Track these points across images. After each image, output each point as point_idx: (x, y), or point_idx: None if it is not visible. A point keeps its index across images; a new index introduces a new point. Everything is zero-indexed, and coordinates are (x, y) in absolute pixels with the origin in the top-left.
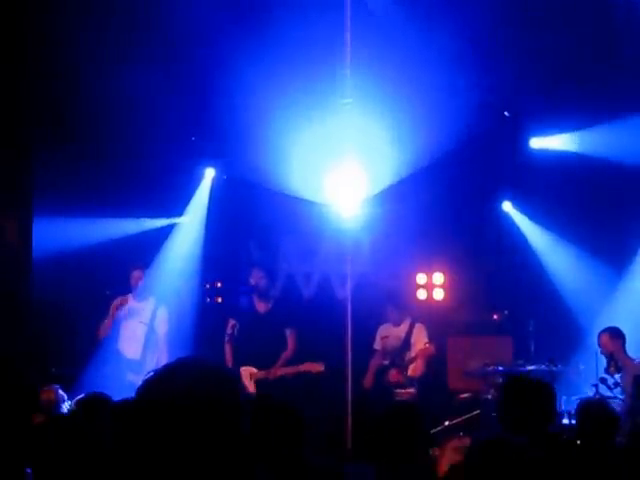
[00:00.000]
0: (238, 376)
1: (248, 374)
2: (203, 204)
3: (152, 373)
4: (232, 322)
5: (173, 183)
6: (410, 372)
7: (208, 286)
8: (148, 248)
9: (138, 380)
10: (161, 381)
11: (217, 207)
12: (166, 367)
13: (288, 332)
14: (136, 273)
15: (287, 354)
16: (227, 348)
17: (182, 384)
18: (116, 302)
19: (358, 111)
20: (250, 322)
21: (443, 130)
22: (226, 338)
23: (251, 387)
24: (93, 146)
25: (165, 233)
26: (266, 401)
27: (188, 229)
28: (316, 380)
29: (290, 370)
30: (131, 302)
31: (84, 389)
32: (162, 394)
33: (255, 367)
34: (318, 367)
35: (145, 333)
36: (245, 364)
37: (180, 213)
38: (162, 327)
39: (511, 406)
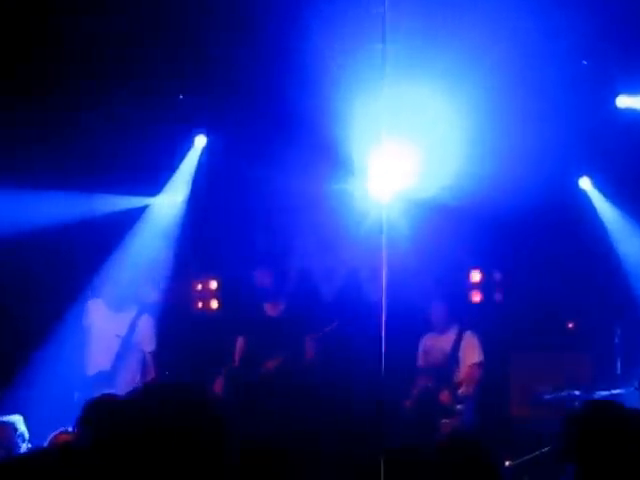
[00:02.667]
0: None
1: None
2: (190, 180)
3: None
4: (241, 340)
5: (153, 152)
6: (460, 391)
7: (200, 287)
8: (118, 234)
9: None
10: (125, 417)
11: (210, 185)
12: (128, 399)
13: (309, 339)
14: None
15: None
16: (239, 348)
17: (149, 419)
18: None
19: (408, 81)
20: (259, 326)
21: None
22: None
23: None
24: (53, 103)
25: (138, 215)
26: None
27: (168, 212)
28: (344, 408)
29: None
30: (103, 309)
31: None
32: (127, 432)
33: None
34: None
35: (120, 347)
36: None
37: (159, 191)
38: (148, 343)
39: (592, 445)
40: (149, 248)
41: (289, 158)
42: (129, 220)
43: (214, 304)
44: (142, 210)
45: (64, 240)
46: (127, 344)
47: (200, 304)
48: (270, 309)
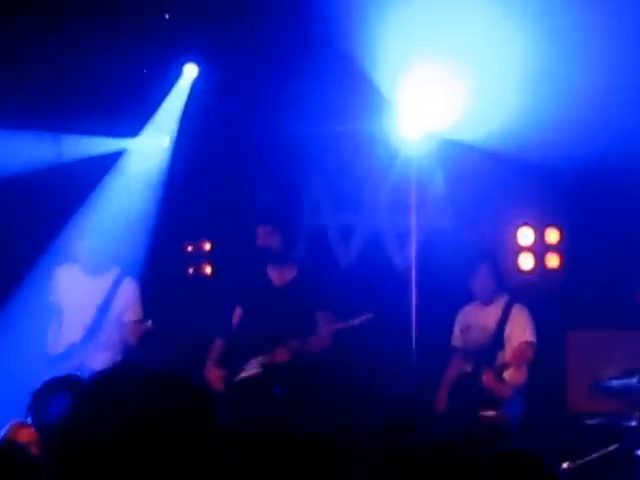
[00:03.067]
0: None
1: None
2: (177, 119)
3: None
4: (239, 311)
5: (132, 84)
6: (509, 379)
7: (190, 249)
8: (90, 183)
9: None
10: (95, 401)
11: (202, 125)
12: (99, 379)
13: (320, 315)
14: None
15: (314, 341)
16: (216, 344)
17: (126, 402)
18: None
19: None
20: (262, 297)
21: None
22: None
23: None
24: (13, 26)
25: (115, 161)
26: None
27: (150, 158)
28: (366, 399)
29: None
30: (76, 275)
31: None
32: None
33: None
34: (364, 318)
35: (96, 315)
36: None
37: (137, 131)
38: (132, 313)
39: None
40: (128, 201)
41: (300, 91)
42: (104, 167)
43: (207, 269)
44: (119, 155)
45: (24, 191)
46: (105, 315)
47: (191, 269)
48: (276, 277)
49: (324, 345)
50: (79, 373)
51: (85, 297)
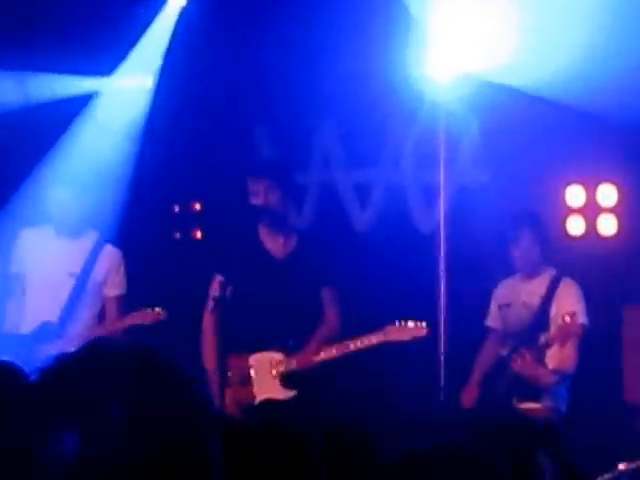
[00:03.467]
0: (199, 379)
1: (268, 363)
2: (160, 55)
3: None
4: (219, 277)
5: (105, 12)
6: (553, 366)
7: (177, 210)
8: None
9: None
10: (59, 387)
11: (189, 62)
12: (67, 360)
13: (326, 293)
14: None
15: (325, 330)
16: (206, 321)
17: (96, 391)
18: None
19: None
20: (257, 274)
21: None
22: (209, 305)
23: (273, 387)
24: None
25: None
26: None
27: (129, 101)
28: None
29: (358, 343)
30: (48, 237)
31: None
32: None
33: (279, 352)
34: (414, 331)
35: (72, 289)
36: (255, 349)
37: (112, 69)
38: (113, 285)
39: None
40: (101, 154)
41: (306, 22)
42: (74, 111)
43: (197, 233)
44: (91, 97)
45: None
46: (83, 285)
47: (178, 234)
48: (275, 246)
49: (335, 332)
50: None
51: (58, 265)
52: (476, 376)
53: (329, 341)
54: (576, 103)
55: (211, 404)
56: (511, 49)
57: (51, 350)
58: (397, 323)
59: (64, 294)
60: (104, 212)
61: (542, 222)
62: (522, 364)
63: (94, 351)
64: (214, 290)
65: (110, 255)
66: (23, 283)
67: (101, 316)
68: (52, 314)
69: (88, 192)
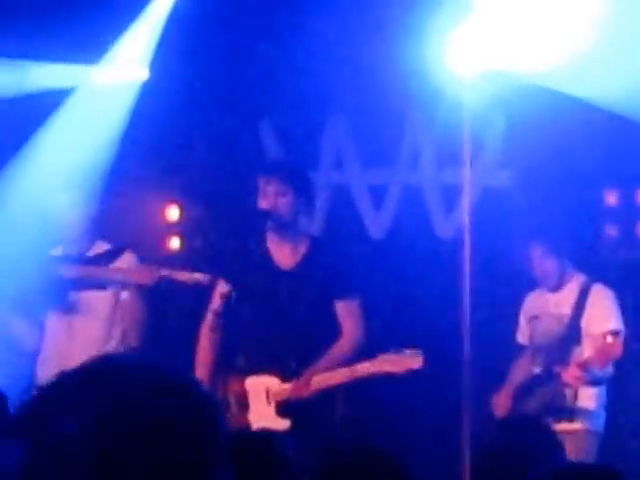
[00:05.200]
0: (217, 399)
1: (262, 391)
2: (152, 42)
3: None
4: (222, 287)
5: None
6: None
7: (173, 216)
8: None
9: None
10: (63, 406)
11: (186, 52)
12: (73, 378)
13: (341, 306)
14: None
15: (342, 347)
16: (206, 339)
17: (107, 413)
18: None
19: None
20: (262, 285)
21: None
22: (208, 319)
23: (269, 415)
24: None
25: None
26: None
27: (117, 94)
28: (401, 391)
29: (346, 373)
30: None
31: None
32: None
33: (277, 376)
34: (408, 361)
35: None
36: (252, 371)
37: (98, 59)
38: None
39: None
40: (83, 152)
41: (316, 8)
42: (52, 102)
43: (197, 241)
44: (73, 89)
45: None
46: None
47: (176, 241)
48: (282, 255)
49: (353, 351)
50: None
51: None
52: (508, 388)
53: (343, 362)
54: (610, 103)
55: (225, 424)
56: (539, 45)
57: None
58: (392, 353)
59: (100, 309)
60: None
61: (562, 228)
62: (570, 374)
63: (99, 368)
64: (215, 303)
65: (126, 260)
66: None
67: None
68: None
69: (90, 198)
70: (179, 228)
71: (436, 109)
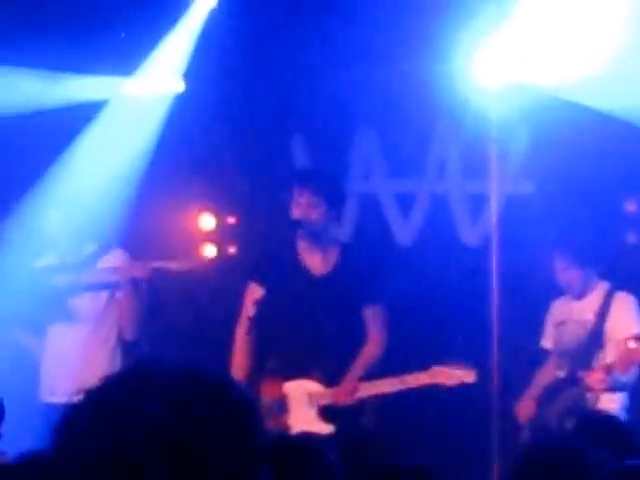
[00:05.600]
0: (256, 402)
1: (305, 394)
2: (184, 56)
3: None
4: (257, 291)
5: (127, 10)
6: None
7: (212, 224)
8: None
9: None
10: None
11: (218, 67)
12: (115, 381)
13: (369, 311)
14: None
15: (372, 351)
16: (242, 343)
17: (150, 415)
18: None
19: None
20: (295, 292)
21: None
22: (243, 324)
23: (310, 419)
24: None
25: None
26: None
27: (149, 105)
28: (432, 399)
29: (397, 383)
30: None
31: None
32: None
33: (317, 380)
34: (463, 375)
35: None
36: (288, 374)
37: (133, 71)
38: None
39: None
40: (117, 164)
41: (345, 24)
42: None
43: (231, 249)
44: (108, 101)
45: None
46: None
47: (212, 249)
48: (315, 262)
49: (381, 352)
50: None
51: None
52: (533, 392)
53: (371, 367)
54: (629, 115)
55: (264, 426)
56: (562, 60)
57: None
58: (446, 365)
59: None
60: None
61: (584, 238)
62: (593, 379)
63: (141, 373)
64: (249, 309)
65: (115, 257)
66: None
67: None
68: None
69: (81, 211)
70: (214, 236)
71: (462, 121)
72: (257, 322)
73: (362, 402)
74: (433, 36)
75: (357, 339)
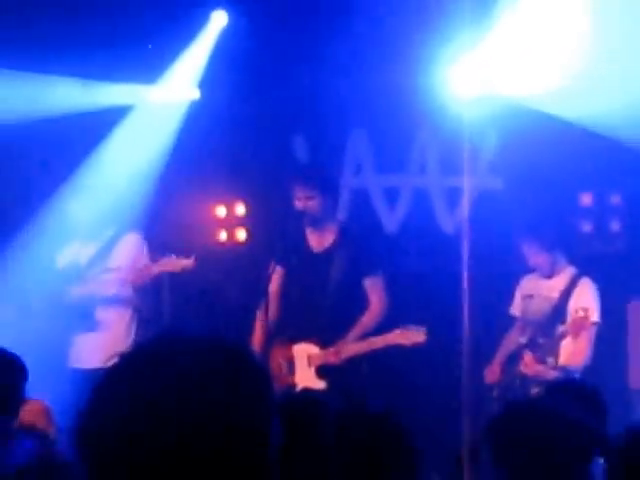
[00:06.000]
0: (266, 366)
1: (305, 356)
2: (199, 67)
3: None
4: (278, 271)
5: (151, 30)
6: (562, 359)
7: (223, 212)
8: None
9: None
10: (136, 377)
11: (230, 76)
12: (142, 350)
13: (369, 282)
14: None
15: (370, 317)
16: (263, 317)
17: (173, 380)
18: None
19: None
20: (300, 267)
21: None
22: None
23: (310, 377)
24: None
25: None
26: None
27: (169, 109)
28: (413, 359)
29: (366, 345)
30: (78, 248)
31: None
32: (138, 398)
33: (316, 344)
34: (414, 336)
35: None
36: (297, 339)
37: (153, 78)
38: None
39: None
40: (144, 159)
41: (340, 40)
42: (112, 118)
43: (241, 234)
44: (131, 105)
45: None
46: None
47: (224, 235)
48: (317, 241)
49: (380, 318)
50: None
51: (93, 267)
52: (499, 357)
53: (372, 330)
54: (585, 122)
55: (273, 389)
56: (526, 75)
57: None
58: (401, 327)
59: (105, 289)
60: (143, 214)
61: (552, 226)
62: (526, 363)
63: (166, 340)
64: (274, 285)
65: (131, 241)
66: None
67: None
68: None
69: (103, 199)
70: (226, 223)
71: (441, 125)
72: (280, 298)
73: (351, 361)
74: (417, 52)
75: (357, 307)
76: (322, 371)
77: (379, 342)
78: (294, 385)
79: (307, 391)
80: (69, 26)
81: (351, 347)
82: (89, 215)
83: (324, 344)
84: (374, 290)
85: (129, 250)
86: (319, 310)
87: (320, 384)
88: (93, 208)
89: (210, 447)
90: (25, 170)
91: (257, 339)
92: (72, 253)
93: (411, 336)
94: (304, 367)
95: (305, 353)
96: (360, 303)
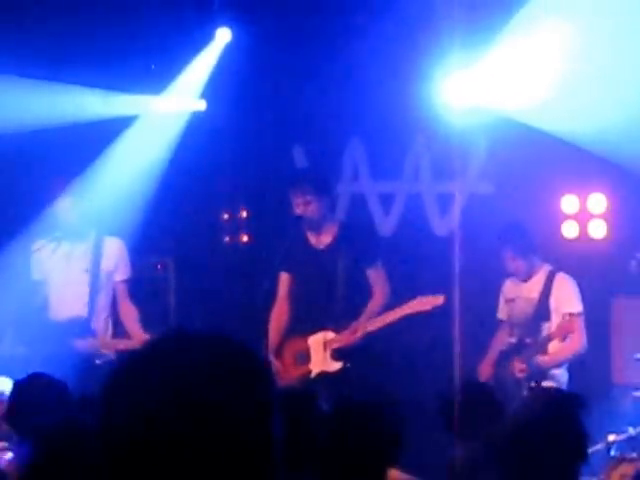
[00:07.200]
0: (268, 361)
1: (321, 343)
2: (203, 80)
3: (123, 361)
4: (284, 277)
5: (158, 44)
6: (549, 359)
7: (227, 217)
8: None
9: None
10: (145, 374)
11: (233, 88)
12: (152, 347)
13: (372, 272)
14: (65, 202)
15: (376, 303)
16: (277, 312)
17: (177, 378)
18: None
19: None
20: (306, 267)
21: None
22: (279, 304)
23: (324, 360)
24: None
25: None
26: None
27: (175, 119)
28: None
29: (381, 320)
30: (59, 243)
31: None
32: (146, 396)
33: (332, 331)
34: (433, 300)
35: (89, 283)
36: (310, 332)
37: (159, 90)
38: (121, 271)
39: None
40: (148, 168)
41: (339, 55)
42: (118, 126)
43: (244, 238)
44: (137, 115)
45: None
46: (97, 277)
47: (227, 238)
48: (318, 240)
49: (384, 305)
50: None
51: (72, 265)
52: (491, 356)
53: (378, 315)
54: (565, 133)
55: (275, 385)
56: (512, 90)
57: (82, 344)
58: (419, 297)
59: (84, 289)
60: (151, 220)
61: (527, 233)
62: (517, 364)
63: (174, 337)
64: (282, 290)
65: (114, 245)
66: (45, 288)
67: (113, 300)
68: (77, 309)
69: (84, 199)
70: (230, 227)
71: (434, 134)
72: (289, 300)
73: (364, 342)
74: (413, 66)
75: (362, 295)
76: (337, 354)
77: (397, 313)
78: (309, 372)
79: (298, 387)
80: (82, 38)
81: (367, 324)
82: (74, 211)
83: (339, 330)
84: (377, 280)
85: (116, 253)
86: (331, 301)
87: (335, 366)
88: (83, 212)
89: (213, 439)
90: (39, 178)
91: (272, 339)
92: (54, 246)
93: (430, 300)
94: (319, 352)
95: (321, 340)
96: (367, 292)
